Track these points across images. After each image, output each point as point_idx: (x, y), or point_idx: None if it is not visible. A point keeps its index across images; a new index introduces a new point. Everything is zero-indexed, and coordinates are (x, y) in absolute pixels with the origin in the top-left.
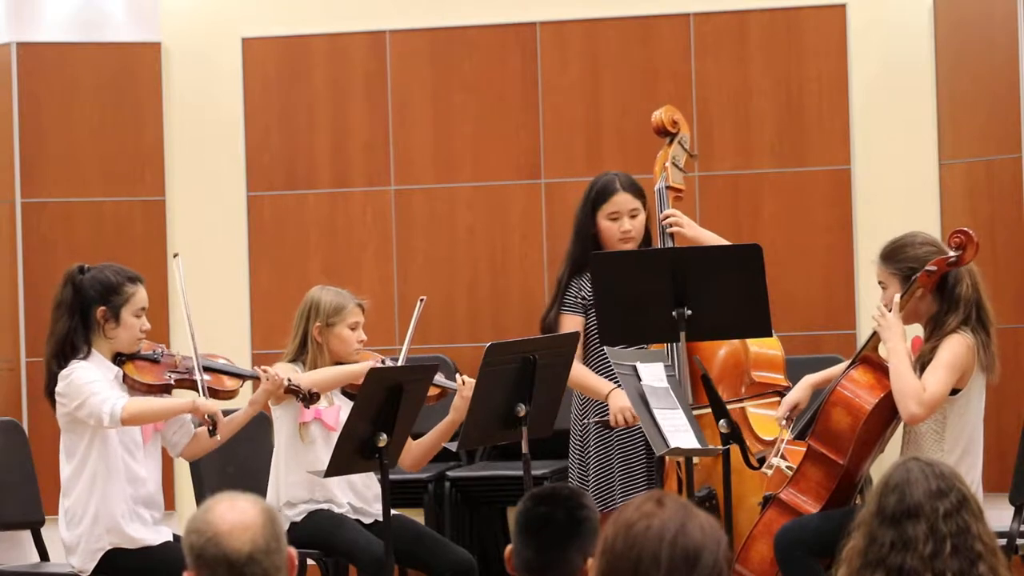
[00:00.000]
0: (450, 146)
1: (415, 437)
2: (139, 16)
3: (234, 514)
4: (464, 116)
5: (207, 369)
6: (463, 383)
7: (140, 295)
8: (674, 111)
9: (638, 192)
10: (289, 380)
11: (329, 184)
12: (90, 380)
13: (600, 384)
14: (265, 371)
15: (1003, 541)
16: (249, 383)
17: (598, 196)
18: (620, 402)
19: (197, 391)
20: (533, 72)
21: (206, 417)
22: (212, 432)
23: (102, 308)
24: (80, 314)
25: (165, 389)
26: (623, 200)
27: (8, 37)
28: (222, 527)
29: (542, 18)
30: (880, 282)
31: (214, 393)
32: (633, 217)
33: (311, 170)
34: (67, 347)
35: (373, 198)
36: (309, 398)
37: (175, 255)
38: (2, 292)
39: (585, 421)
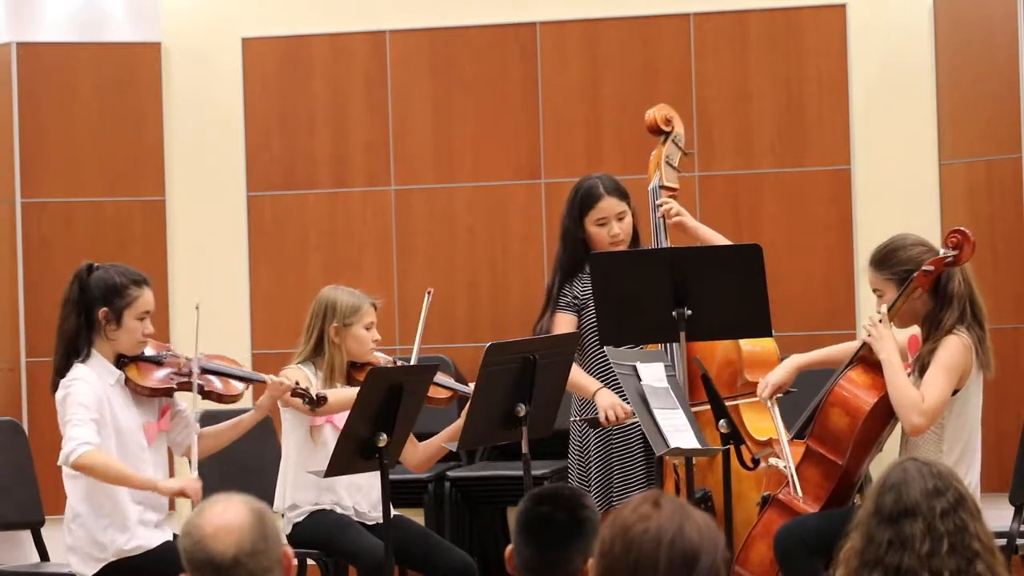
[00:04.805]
0: (450, 146)
1: (422, 439)
2: (139, 16)
3: (222, 517)
4: (464, 116)
5: (214, 372)
6: None
7: (144, 298)
8: (667, 109)
9: (623, 195)
10: (296, 384)
11: (329, 184)
12: (80, 403)
13: (588, 383)
14: (272, 377)
15: (1003, 541)
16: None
17: (583, 203)
18: (608, 399)
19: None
20: (533, 72)
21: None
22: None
23: (104, 309)
24: (84, 313)
25: (166, 393)
26: (609, 205)
27: (8, 37)
28: (208, 530)
29: (542, 18)
30: (875, 290)
31: (217, 397)
32: (620, 220)
33: (311, 170)
34: (73, 346)
35: (373, 198)
36: (315, 402)
37: (196, 306)
38: (2, 292)
39: (573, 419)
